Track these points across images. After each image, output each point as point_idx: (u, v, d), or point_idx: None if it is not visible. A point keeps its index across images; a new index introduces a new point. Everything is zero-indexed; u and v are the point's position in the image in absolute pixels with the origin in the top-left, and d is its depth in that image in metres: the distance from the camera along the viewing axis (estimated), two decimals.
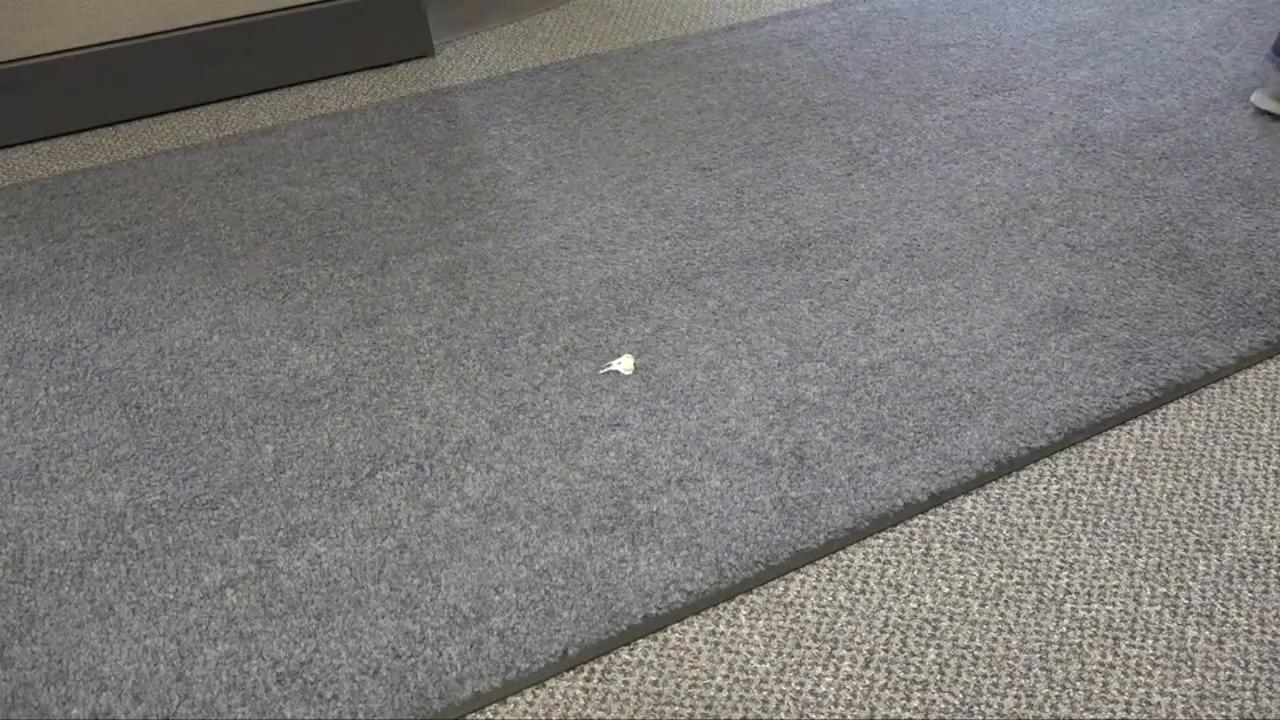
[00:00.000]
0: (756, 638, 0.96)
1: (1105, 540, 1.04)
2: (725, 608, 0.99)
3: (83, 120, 1.82)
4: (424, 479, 1.13)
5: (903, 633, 0.96)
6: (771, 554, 1.02)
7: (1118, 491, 1.09)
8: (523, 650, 0.95)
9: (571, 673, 0.94)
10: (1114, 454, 1.13)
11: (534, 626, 0.97)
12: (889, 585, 1.00)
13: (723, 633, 0.97)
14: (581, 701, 0.92)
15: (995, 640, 0.95)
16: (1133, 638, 0.95)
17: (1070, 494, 1.09)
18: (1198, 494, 1.08)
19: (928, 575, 1.01)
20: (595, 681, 0.94)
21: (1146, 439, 1.14)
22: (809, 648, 0.95)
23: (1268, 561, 1.01)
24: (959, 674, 0.93)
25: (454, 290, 1.39)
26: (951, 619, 0.97)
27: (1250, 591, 0.98)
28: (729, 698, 0.92)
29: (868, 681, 0.92)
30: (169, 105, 1.87)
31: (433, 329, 1.33)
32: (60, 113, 1.80)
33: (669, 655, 0.95)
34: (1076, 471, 1.11)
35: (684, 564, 1.02)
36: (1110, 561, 1.02)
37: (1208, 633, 0.95)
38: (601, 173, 1.62)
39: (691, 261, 1.42)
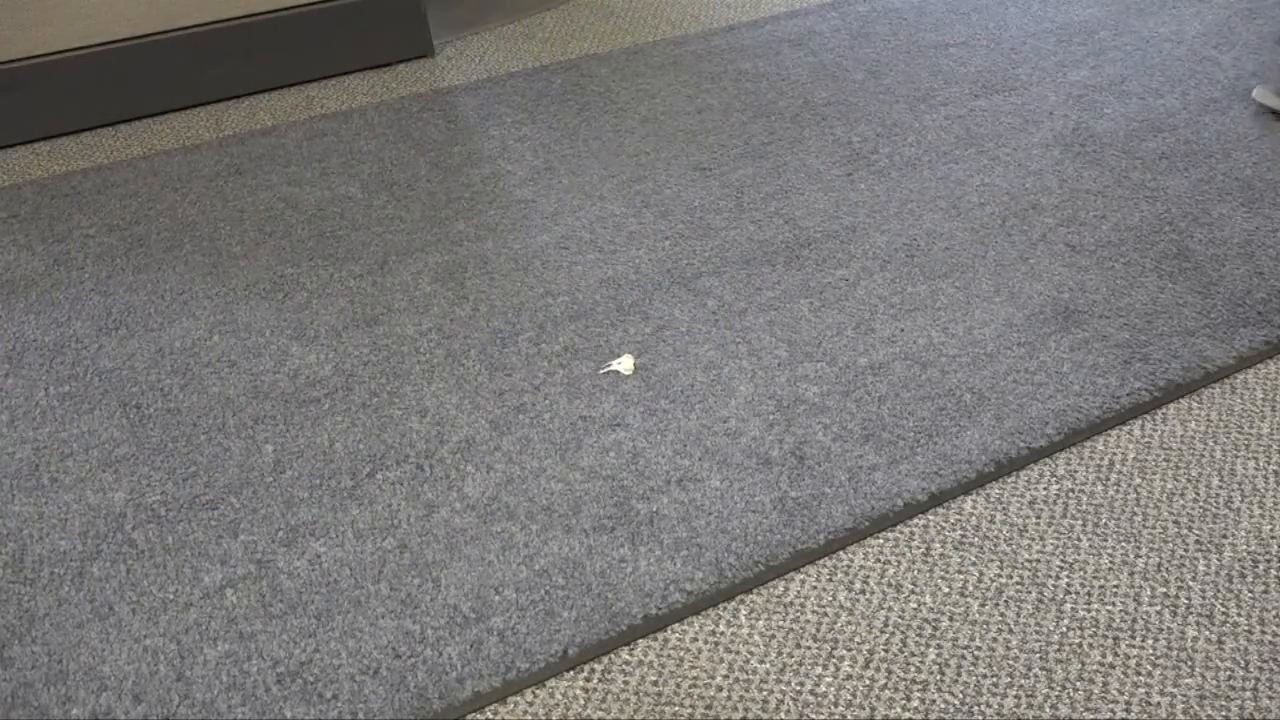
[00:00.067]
0: (756, 638, 0.96)
1: (1105, 540, 1.04)
2: (725, 608, 0.99)
3: (83, 120, 1.82)
4: (424, 479, 1.13)
5: (903, 633, 0.96)
6: (771, 554, 1.02)
7: (1118, 491, 1.09)
8: (523, 650, 0.95)
9: (571, 673, 0.94)
10: (1114, 454, 1.13)
11: (534, 626, 0.97)
12: (889, 585, 1.00)
13: (723, 633, 0.97)
14: (581, 701, 0.92)
15: (995, 640, 0.95)
16: (1133, 638, 0.95)
17: (1070, 494, 1.09)
18: (1198, 494, 1.08)
19: (928, 575, 1.01)
20: (595, 681, 0.94)
21: (1146, 439, 1.14)
22: (809, 648, 0.95)
23: (1268, 561, 1.01)
24: (959, 674, 0.93)
25: (454, 290, 1.39)
26: (951, 619, 0.97)
27: (1250, 591, 0.98)
28: (729, 698, 0.92)
29: (868, 681, 0.92)
30: (169, 105, 1.87)
31: (433, 329, 1.33)
32: (60, 113, 1.80)
33: (669, 655, 0.95)
34: (1076, 471, 1.11)
35: (684, 564, 1.02)
36: (1110, 561, 1.02)
37: (1208, 633, 0.95)
38: (601, 173, 1.62)
39: (691, 261, 1.42)
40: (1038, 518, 1.06)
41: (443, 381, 1.25)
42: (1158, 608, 0.97)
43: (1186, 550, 1.02)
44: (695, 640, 0.96)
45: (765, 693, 0.92)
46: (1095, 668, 0.93)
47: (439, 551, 1.05)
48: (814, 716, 0.90)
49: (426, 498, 1.10)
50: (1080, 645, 0.94)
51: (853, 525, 1.05)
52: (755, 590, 1.01)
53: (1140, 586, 0.99)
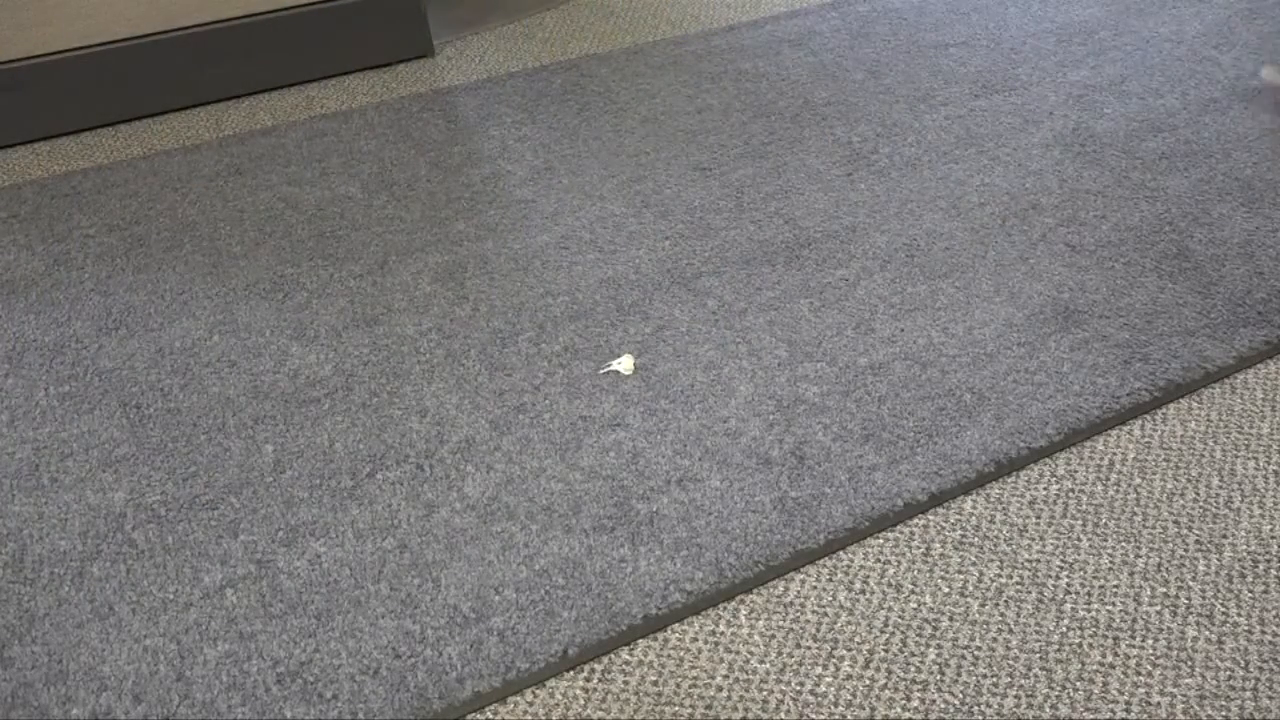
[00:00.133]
0: (756, 638, 0.96)
1: (1105, 540, 1.04)
2: (725, 608, 0.99)
3: (83, 120, 1.82)
4: (424, 479, 1.13)
5: (903, 633, 0.96)
6: (771, 554, 1.02)
7: (1118, 491, 1.09)
8: (523, 650, 0.95)
9: (571, 673, 0.94)
10: (1114, 454, 1.13)
11: (534, 626, 0.97)
12: (889, 585, 1.00)
13: (723, 633, 0.97)
14: (581, 701, 0.92)
15: (995, 640, 0.95)
16: (1133, 638, 0.95)
17: (1070, 494, 1.09)
18: (1198, 494, 1.08)
19: (928, 575, 1.01)
20: (595, 681, 0.94)
21: (1146, 439, 1.14)
22: (809, 648, 0.95)
23: (1268, 561, 1.01)
24: (959, 674, 0.93)
25: (454, 290, 1.39)
26: (951, 619, 0.97)
27: (1250, 591, 0.98)
28: (729, 698, 0.92)
29: (868, 681, 0.92)
30: (169, 105, 1.87)
31: (433, 329, 1.33)
32: (60, 113, 1.80)
33: (669, 655, 0.95)
34: (1076, 471, 1.11)
35: (684, 564, 1.02)
36: (1110, 561, 1.02)
37: (1208, 633, 0.95)
38: (601, 173, 1.62)
39: (691, 261, 1.42)
40: (1038, 518, 1.06)
41: (443, 381, 1.25)
42: (1158, 608, 0.97)
43: (1186, 550, 1.02)
44: (695, 640, 0.96)
45: (765, 693, 0.92)
46: (1095, 668, 0.93)
47: (439, 551, 1.05)
48: (814, 716, 0.90)
49: (426, 498, 1.10)
50: (1080, 645, 0.94)
51: (853, 525, 1.05)
52: (755, 590, 1.01)
53: (1140, 586, 0.99)
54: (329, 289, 1.41)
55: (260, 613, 1.00)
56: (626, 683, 0.93)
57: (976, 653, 0.94)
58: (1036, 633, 0.96)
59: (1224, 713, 0.89)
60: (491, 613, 0.99)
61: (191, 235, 1.54)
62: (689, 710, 0.91)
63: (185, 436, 1.20)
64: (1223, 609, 0.97)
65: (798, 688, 0.92)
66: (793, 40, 1.99)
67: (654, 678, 0.94)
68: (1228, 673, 0.92)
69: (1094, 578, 1.00)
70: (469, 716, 0.92)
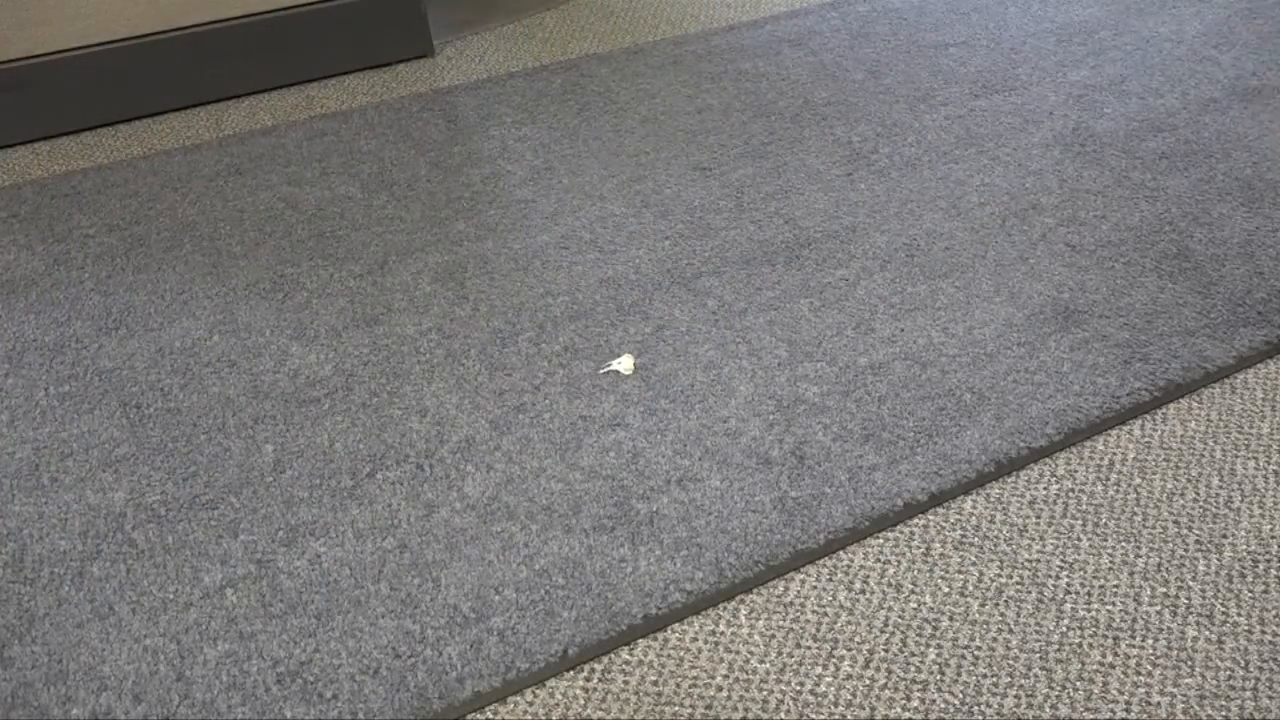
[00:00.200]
0: (756, 638, 0.96)
1: (1105, 540, 1.04)
2: (725, 608, 0.99)
3: (83, 120, 1.82)
4: (424, 479, 1.13)
5: (903, 633, 0.96)
6: (771, 554, 1.02)
7: (1118, 491, 1.09)
8: (523, 650, 0.95)
9: (571, 673, 0.94)
10: (1114, 454, 1.13)
11: (534, 626, 0.97)
12: (889, 585, 1.00)
13: (723, 633, 0.97)
14: (581, 701, 0.92)
15: (995, 640, 0.95)
16: (1133, 638, 0.95)
17: (1070, 494, 1.09)
18: (1198, 494, 1.08)
19: (928, 575, 1.01)
20: (595, 681, 0.94)
21: (1146, 439, 1.14)
22: (809, 648, 0.95)
23: (1268, 561, 1.01)
24: (959, 674, 0.93)
25: (454, 290, 1.39)
26: (951, 619, 0.97)
27: (1250, 591, 0.98)
28: (729, 697, 0.92)
29: (868, 681, 0.92)
30: (169, 105, 1.87)
31: (433, 329, 1.33)
32: (60, 113, 1.80)
33: (669, 655, 0.95)
34: (1076, 471, 1.11)
35: (684, 564, 1.02)
36: (1110, 561, 1.02)
37: (1208, 633, 0.95)
38: (601, 173, 1.62)
39: (691, 261, 1.42)
40: (1038, 518, 1.06)
41: (443, 381, 1.25)
42: (1158, 608, 0.97)
43: (1186, 550, 1.02)
44: (695, 640, 0.96)
45: (765, 693, 0.92)
46: (1095, 668, 0.93)
47: (439, 551, 1.05)
48: (814, 716, 0.90)
49: (426, 498, 1.10)
50: (1080, 645, 0.94)
51: (853, 525, 1.05)
52: (755, 590, 1.01)
53: (1140, 586, 0.99)
54: (329, 289, 1.41)
55: (260, 613, 1.00)
56: (626, 683, 0.93)
57: (976, 653, 0.94)
58: (1036, 633, 0.96)
59: (1224, 713, 0.89)
60: (491, 613, 0.99)
61: (191, 235, 1.54)
62: (689, 710, 0.91)
63: (185, 436, 1.20)
64: (1223, 609, 0.97)
65: (798, 688, 0.92)
66: (793, 40, 1.99)
67: (654, 678, 0.94)
68: (1228, 673, 0.92)
69: (1094, 578, 1.00)
70: (469, 716, 0.92)
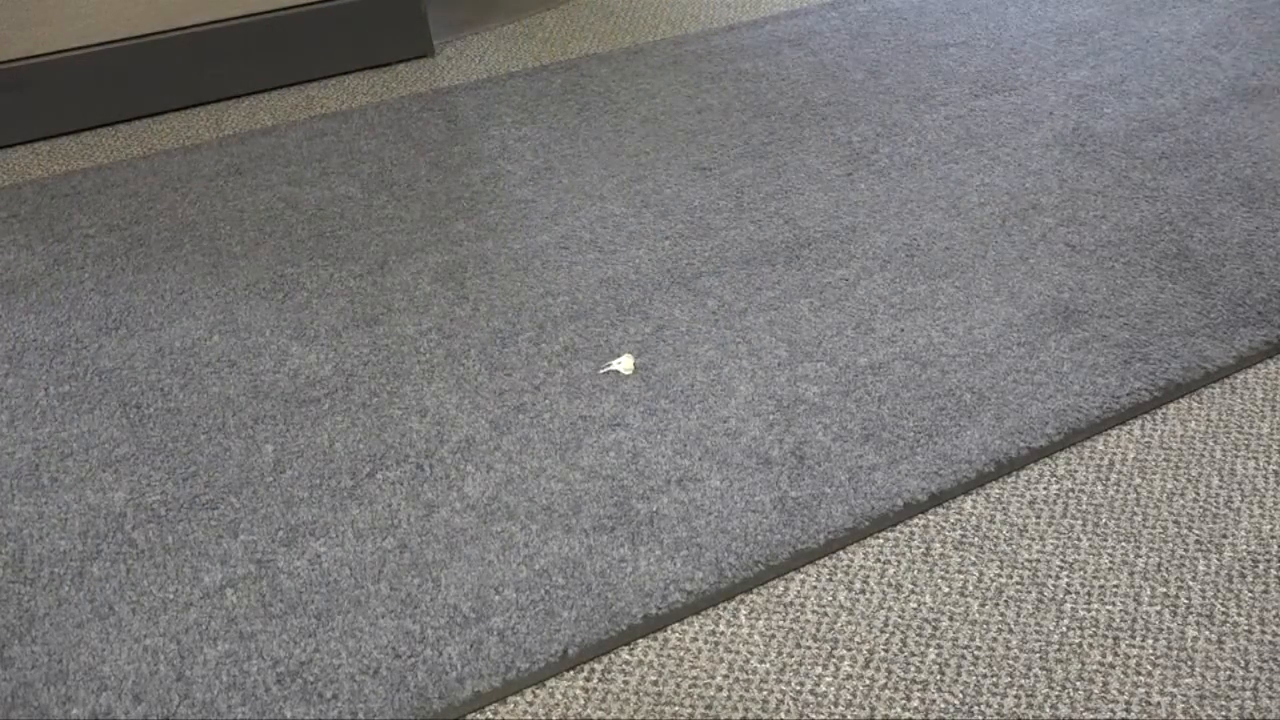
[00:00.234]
0: (756, 638, 0.96)
1: (1105, 540, 1.04)
2: (725, 608, 0.99)
3: (83, 120, 1.82)
4: (424, 479, 1.13)
5: (903, 633, 0.96)
6: (771, 554, 1.02)
7: (1118, 491, 1.09)
8: (523, 650, 0.95)
9: (571, 673, 0.94)
10: (1114, 454, 1.13)
11: (534, 626, 0.97)
12: (889, 585, 1.00)
13: (723, 633, 0.97)
14: (581, 701, 0.92)
15: (995, 640, 0.95)
16: (1133, 638, 0.95)
17: (1070, 494, 1.09)
18: (1198, 494, 1.08)
19: (928, 575, 1.01)
20: (595, 681, 0.94)
21: (1146, 439, 1.14)
22: (809, 648, 0.95)
23: (1268, 561, 1.01)
24: (959, 674, 0.93)
25: (454, 290, 1.39)
26: (951, 619, 0.97)
27: (1250, 591, 0.98)
28: (729, 698, 0.92)
29: (868, 681, 0.92)
30: (169, 105, 1.87)
31: (433, 329, 1.33)
32: (60, 113, 1.80)
33: (669, 655, 0.95)
34: (1076, 471, 1.11)
35: (684, 564, 1.02)
36: (1110, 561, 1.02)
37: (1208, 633, 0.95)
38: (601, 173, 1.62)
39: (691, 261, 1.42)
40: (1038, 518, 1.06)
41: (443, 381, 1.25)
42: (1158, 608, 0.97)
43: (1186, 550, 1.02)
44: (695, 640, 0.96)
45: (765, 693, 0.92)
46: (1095, 668, 0.93)
47: (439, 551, 1.05)
48: (814, 716, 0.90)
49: (426, 498, 1.10)
50: (1080, 645, 0.94)
51: (853, 525, 1.05)
52: (755, 590, 1.01)
53: (1140, 586, 0.99)
54: (329, 289, 1.41)
55: (260, 613, 1.00)
56: (626, 683, 0.93)
57: (976, 653, 0.94)
58: (1036, 633, 0.96)
59: (1224, 713, 0.89)
60: (491, 612, 0.99)
61: (191, 235, 1.54)
62: (689, 710, 0.91)
63: (185, 436, 1.20)
64: (1223, 609, 0.97)
65: (798, 688, 0.92)
66: (793, 40, 1.99)
67: (654, 678, 0.94)
68: (1228, 673, 0.92)
69: (1094, 578, 1.00)
70: (469, 716, 0.92)
